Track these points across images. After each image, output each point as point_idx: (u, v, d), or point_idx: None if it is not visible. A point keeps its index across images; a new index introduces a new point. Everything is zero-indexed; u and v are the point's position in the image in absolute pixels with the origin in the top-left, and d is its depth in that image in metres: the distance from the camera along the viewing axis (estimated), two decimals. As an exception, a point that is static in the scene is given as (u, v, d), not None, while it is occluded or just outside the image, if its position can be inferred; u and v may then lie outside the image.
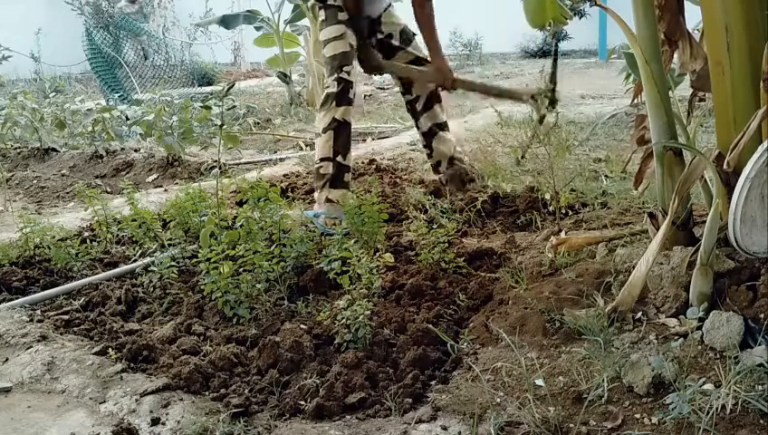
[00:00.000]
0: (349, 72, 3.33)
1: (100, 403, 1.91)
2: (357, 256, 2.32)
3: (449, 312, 2.29)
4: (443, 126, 3.78)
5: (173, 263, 2.71)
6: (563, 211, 3.07)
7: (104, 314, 2.47)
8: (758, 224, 1.91)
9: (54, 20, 11.97)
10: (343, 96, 3.31)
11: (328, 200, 3.30)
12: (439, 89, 3.63)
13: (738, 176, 1.90)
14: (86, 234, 3.34)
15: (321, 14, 3.43)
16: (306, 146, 5.64)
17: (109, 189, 4.54)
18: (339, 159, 3.32)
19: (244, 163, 5.10)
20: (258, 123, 6.77)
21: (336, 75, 3.30)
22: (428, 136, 3.76)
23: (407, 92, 3.73)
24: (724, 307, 1.92)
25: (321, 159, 3.35)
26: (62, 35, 11.34)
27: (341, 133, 3.32)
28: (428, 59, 3.60)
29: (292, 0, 7.48)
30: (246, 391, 1.92)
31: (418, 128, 3.81)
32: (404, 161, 4.63)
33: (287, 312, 2.39)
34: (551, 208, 3.12)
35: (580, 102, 7.11)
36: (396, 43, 3.60)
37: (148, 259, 2.85)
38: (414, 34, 3.65)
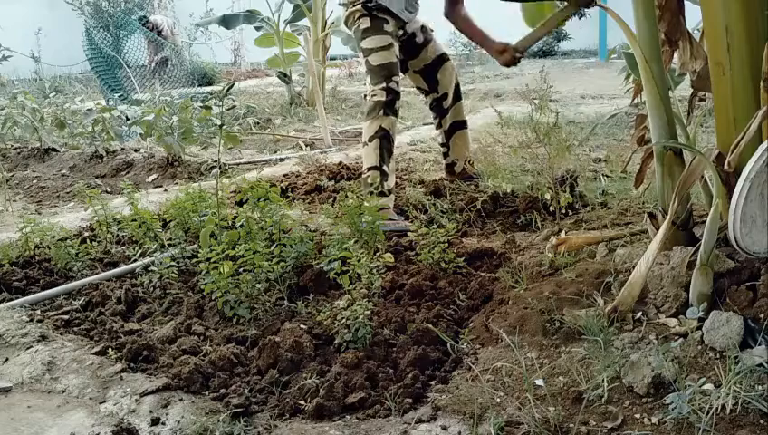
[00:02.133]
0: (397, 83, 3.34)
1: (100, 403, 1.91)
2: (357, 256, 2.33)
3: (449, 312, 2.29)
4: (464, 124, 3.80)
5: (173, 263, 2.72)
6: (563, 211, 3.07)
7: (104, 314, 2.47)
8: (758, 224, 1.91)
9: (54, 20, 12.00)
10: (391, 106, 3.32)
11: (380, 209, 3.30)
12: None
13: (738, 176, 1.90)
14: (86, 234, 3.33)
15: (365, 22, 3.41)
16: (306, 146, 5.64)
17: (109, 189, 4.54)
18: (384, 167, 3.33)
19: (244, 163, 5.10)
20: (258, 123, 6.77)
21: (385, 84, 3.30)
22: (450, 133, 3.78)
23: (433, 90, 3.74)
24: (724, 307, 1.92)
25: (369, 169, 3.35)
26: (62, 35, 11.37)
27: (386, 143, 3.33)
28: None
29: (293, 0, 7.48)
30: (246, 390, 1.92)
31: (441, 125, 3.82)
32: (404, 161, 4.63)
33: (287, 312, 2.39)
34: (551, 208, 3.12)
35: (580, 102, 7.12)
36: (419, 41, 3.65)
37: (148, 259, 2.85)
38: (431, 30, 3.72)
